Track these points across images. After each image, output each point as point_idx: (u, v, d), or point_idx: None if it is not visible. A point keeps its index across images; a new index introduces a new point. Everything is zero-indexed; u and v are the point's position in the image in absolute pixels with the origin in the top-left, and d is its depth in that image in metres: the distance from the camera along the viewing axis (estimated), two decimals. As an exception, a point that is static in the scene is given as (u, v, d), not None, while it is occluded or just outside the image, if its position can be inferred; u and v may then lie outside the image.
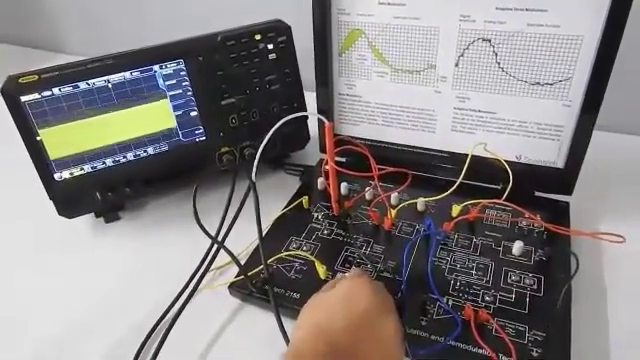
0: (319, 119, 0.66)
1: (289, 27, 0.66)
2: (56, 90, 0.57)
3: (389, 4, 0.58)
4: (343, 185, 0.64)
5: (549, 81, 0.54)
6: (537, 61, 0.54)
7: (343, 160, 0.67)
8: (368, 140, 0.68)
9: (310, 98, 0.70)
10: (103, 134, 0.61)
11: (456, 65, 0.58)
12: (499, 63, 0.56)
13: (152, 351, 0.48)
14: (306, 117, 0.67)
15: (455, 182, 0.57)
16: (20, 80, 0.55)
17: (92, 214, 0.66)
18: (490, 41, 0.55)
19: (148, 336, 0.50)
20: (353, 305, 0.40)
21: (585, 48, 0.51)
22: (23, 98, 0.56)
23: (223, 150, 0.67)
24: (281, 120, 0.51)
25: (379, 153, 0.64)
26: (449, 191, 0.57)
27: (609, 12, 0.48)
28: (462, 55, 0.57)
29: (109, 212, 0.66)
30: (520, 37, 0.53)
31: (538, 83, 0.55)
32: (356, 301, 0.41)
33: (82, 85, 0.58)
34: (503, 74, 0.56)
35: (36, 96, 0.56)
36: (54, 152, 0.59)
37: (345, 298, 0.41)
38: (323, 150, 0.71)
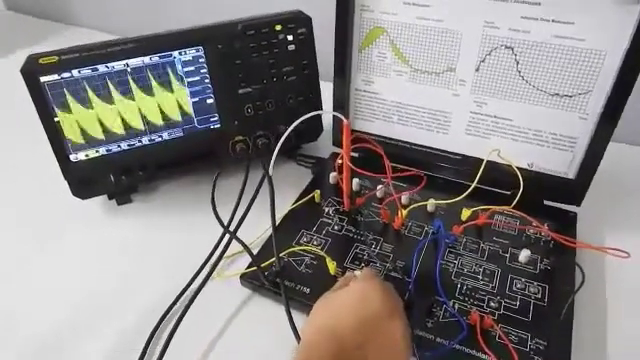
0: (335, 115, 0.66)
1: (310, 19, 0.66)
2: (75, 72, 0.57)
3: (414, 4, 0.58)
4: (355, 181, 0.65)
5: (568, 93, 0.55)
6: (558, 73, 0.54)
7: (355, 155, 0.68)
8: (382, 137, 0.68)
9: (324, 88, 0.70)
10: (120, 117, 0.61)
11: (476, 70, 0.58)
12: (520, 71, 0.56)
13: (164, 338, 0.49)
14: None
15: (465, 185, 0.58)
16: (40, 61, 0.55)
17: (105, 196, 0.67)
18: (513, 49, 0.55)
19: (160, 322, 0.51)
20: (364, 307, 0.42)
21: (608, 63, 0.51)
22: (43, 78, 0.56)
23: (237, 139, 0.67)
24: (301, 117, 0.51)
25: (392, 150, 0.64)
26: (462, 196, 0.57)
27: (636, 29, 0.48)
28: (483, 60, 0.57)
29: (122, 194, 0.67)
30: (544, 48, 0.53)
31: (557, 94, 0.55)
32: (367, 303, 0.42)
33: (101, 68, 0.58)
34: (523, 82, 0.56)
35: (55, 77, 0.56)
36: (71, 133, 0.59)
37: (357, 299, 0.43)
38: (336, 144, 0.71)
